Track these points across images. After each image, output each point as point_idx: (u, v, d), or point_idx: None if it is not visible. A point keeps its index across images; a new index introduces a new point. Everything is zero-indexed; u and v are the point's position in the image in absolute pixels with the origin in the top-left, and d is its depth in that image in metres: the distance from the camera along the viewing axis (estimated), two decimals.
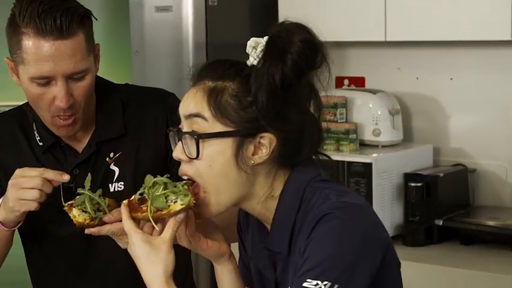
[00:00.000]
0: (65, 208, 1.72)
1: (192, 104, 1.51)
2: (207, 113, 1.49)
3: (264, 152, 1.49)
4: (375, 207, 3.32)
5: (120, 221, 1.57)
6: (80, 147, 2.03)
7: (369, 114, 3.59)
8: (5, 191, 1.91)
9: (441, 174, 3.41)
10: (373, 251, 1.43)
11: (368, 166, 3.33)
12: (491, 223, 3.31)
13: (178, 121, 1.56)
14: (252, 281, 1.65)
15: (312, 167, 1.54)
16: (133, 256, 1.51)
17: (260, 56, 1.48)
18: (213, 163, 1.49)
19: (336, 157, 3.42)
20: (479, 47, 3.53)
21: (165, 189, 1.52)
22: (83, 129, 2.01)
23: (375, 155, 3.44)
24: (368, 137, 3.60)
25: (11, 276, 2.38)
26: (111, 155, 2.03)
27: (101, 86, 2.05)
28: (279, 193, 1.52)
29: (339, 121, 3.59)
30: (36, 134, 2.02)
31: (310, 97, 1.52)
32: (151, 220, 1.52)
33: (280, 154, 1.50)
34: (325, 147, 3.51)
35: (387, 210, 3.40)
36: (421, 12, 3.42)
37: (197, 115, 1.50)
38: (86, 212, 1.68)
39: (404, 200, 3.42)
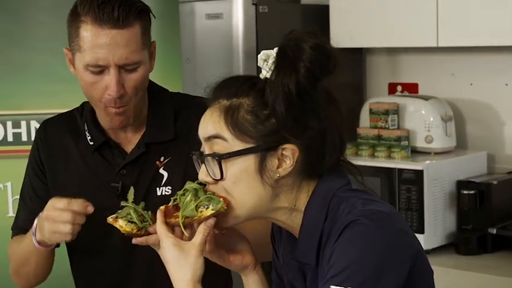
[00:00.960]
0: (109, 221, 1.74)
1: (210, 125, 1.52)
2: (225, 133, 1.50)
3: (288, 164, 1.49)
4: (426, 214, 3.29)
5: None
6: (129, 147, 2.07)
7: (421, 120, 3.57)
8: (50, 196, 1.96)
9: (495, 182, 3.37)
10: (400, 259, 1.41)
11: (419, 173, 3.31)
12: None
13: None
14: None
15: (338, 177, 1.53)
16: (164, 260, 1.53)
17: (272, 68, 1.48)
18: (237, 180, 1.50)
19: (387, 164, 3.42)
20: None
21: (196, 195, 1.55)
22: (134, 130, 2.05)
23: (426, 162, 3.41)
24: (420, 143, 3.57)
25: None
26: (162, 159, 2.06)
27: (155, 91, 2.10)
28: (304, 205, 1.52)
29: (390, 128, 3.57)
30: (88, 134, 2.07)
31: (328, 103, 1.51)
32: (181, 226, 1.55)
33: (304, 164, 1.50)
34: (376, 153, 3.50)
35: (439, 218, 3.36)
36: (473, 17, 3.39)
37: (216, 136, 1.51)
38: (132, 222, 1.70)
39: (456, 208, 3.39)
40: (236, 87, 1.51)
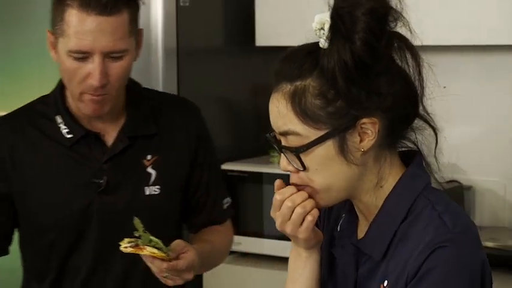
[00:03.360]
0: (130, 251, 1.87)
1: (280, 121, 1.49)
2: (297, 127, 1.47)
3: (370, 136, 1.47)
4: None
5: (177, 256, 1.94)
6: (109, 139, 2.10)
7: None
8: (19, 193, 2.07)
9: None
10: (477, 278, 1.46)
11: None
12: (489, 244, 3.13)
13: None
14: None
15: (422, 172, 1.54)
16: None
17: (328, 36, 1.44)
18: (320, 167, 1.49)
19: None
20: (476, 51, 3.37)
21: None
22: (111, 120, 2.09)
23: None
24: None
25: None
26: (149, 157, 2.12)
27: (131, 84, 2.14)
28: (388, 187, 1.53)
29: None
30: (63, 126, 2.07)
31: (401, 54, 1.49)
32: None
33: (387, 131, 1.49)
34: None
35: None
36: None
37: (289, 133, 1.48)
38: (158, 248, 1.89)
39: None
40: (298, 66, 1.47)
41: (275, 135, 1.54)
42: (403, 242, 1.50)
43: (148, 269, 1.94)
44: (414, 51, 1.51)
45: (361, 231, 1.58)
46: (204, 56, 3.54)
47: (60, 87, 2.11)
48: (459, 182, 3.37)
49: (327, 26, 1.44)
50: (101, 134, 2.08)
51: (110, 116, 2.07)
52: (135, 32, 2.03)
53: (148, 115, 2.13)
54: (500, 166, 3.37)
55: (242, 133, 3.74)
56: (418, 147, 1.56)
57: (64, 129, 2.07)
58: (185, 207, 2.23)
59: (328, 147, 1.47)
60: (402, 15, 1.47)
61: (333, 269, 1.64)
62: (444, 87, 3.26)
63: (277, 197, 1.55)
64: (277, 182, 1.56)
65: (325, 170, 1.49)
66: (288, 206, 1.53)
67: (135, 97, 2.14)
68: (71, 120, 2.07)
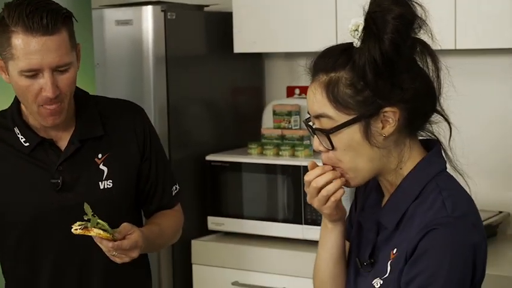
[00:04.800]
0: (78, 232, 1.98)
1: (316, 105, 1.64)
2: (330, 111, 1.62)
3: (391, 123, 1.61)
4: None
5: (124, 237, 2.03)
6: (62, 144, 2.20)
7: None
8: None
9: None
10: (469, 260, 1.56)
11: None
12: None
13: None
14: (350, 236, 1.82)
15: (439, 159, 1.67)
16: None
17: (361, 36, 1.58)
18: (347, 148, 1.62)
19: (292, 162, 3.54)
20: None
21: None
22: (64, 128, 2.19)
23: None
24: None
25: None
26: (100, 156, 2.23)
27: (78, 93, 2.24)
28: (407, 170, 1.66)
29: (293, 128, 3.72)
30: (21, 136, 2.19)
31: (421, 53, 1.62)
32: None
33: (406, 120, 1.62)
34: (280, 153, 3.61)
35: None
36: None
37: (322, 115, 1.63)
38: (104, 230, 2.00)
39: None
40: (334, 60, 1.62)
41: (309, 121, 1.67)
42: (411, 219, 1.62)
43: (106, 256, 2.07)
44: (434, 56, 1.63)
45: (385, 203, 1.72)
46: (189, 62, 3.71)
47: (17, 102, 2.22)
48: None
49: (360, 28, 1.58)
50: (54, 141, 2.19)
51: (63, 124, 2.17)
52: (75, 46, 2.13)
53: (96, 119, 2.23)
54: None
55: (223, 129, 3.90)
56: (436, 137, 1.69)
57: (22, 139, 2.18)
58: (138, 196, 2.33)
59: (354, 131, 1.61)
60: (426, 23, 1.60)
61: (359, 233, 1.78)
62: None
63: (305, 177, 1.70)
64: (310, 163, 1.71)
65: (352, 151, 1.62)
66: (313, 187, 1.68)
67: (83, 104, 2.24)
68: (27, 130, 2.18)
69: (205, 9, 3.88)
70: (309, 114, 1.68)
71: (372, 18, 1.57)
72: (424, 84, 1.63)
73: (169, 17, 3.59)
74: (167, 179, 2.39)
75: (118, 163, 2.24)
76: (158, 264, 3.65)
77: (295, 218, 3.49)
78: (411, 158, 1.66)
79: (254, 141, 3.76)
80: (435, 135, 1.69)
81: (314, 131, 1.66)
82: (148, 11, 3.58)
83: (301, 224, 3.47)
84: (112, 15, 3.68)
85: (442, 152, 1.70)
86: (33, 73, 2.06)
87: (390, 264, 1.64)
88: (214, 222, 3.74)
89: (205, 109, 3.83)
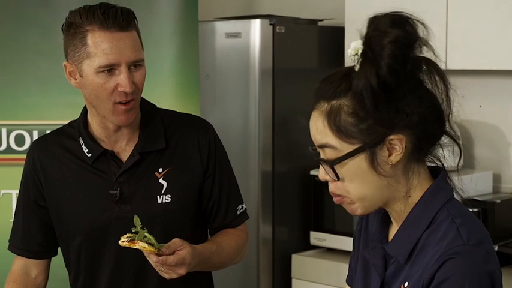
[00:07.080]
0: (125, 244, 1.98)
1: (318, 135, 1.56)
2: (332, 141, 1.54)
3: (398, 151, 1.53)
4: None
5: (173, 253, 2.00)
6: (124, 157, 2.22)
7: None
8: (45, 210, 2.24)
9: (498, 201, 3.38)
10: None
11: None
12: None
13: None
14: (353, 282, 1.77)
15: (446, 185, 1.60)
16: None
17: (360, 61, 1.51)
18: (353, 178, 1.55)
19: None
20: None
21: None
22: (128, 140, 2.22)
23: None
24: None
25: None
26: (160, 170, 2.22)
27: (144, 107, 2.26)
28: (416, 198, 1.58)
29: None
30: (84, 147, 2.22)
31: (429, 72, 1.53)
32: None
33: (414, 146, 1.54)
34: None
35: None
36: (483, 42, 3.42)
37: (325, 146, 1.55)
38: (150, 244, 1.98)
39: None
40: (334, 87, 1.54)
41: (316, 149, 1.59)
42: (424, 250, 1.55)
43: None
44: (442, 74, 1.53)
45: (392, 234, 1.63)
46: (298, 75, 3.72)
47: (84, 114, 2.25)
48: None
49: (359, 52, 1.50)
50: (117, 152, 2.21)
51: (126, 136, 2.20)
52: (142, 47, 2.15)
53: (160, 132, 2.22)
54: None
55: None
56: (442, 163, 1.61)
57: (85, 150, 2.21)
58: (201, 213, 2.31)
59: (360, 160, 1.53)
60: (428, 43, 1.51)
61: (365, 272, 1.69)
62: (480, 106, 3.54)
63: None
64: None
65: (358, 180, 1.54)
66: None
67: (148, 117, 2.24)
68: (91, 141, 2.20)
69: (319, 23, 3.89)
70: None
71: (368, 43, 1.49)
72: (431, 107, 1.54)
73: (278, 30, 3.64)
74: (232, 198, 2.35)
75: (178, 178, 2.24)
76: (257, 276, 3.67)
77: None
78: (420, 185, 1.58)
79: None
80: (440, 160, 1.62)
81: (319, 161, 1.59)
82: (256, 24, 3.63)
83: None
84: (223, 27, 3.75)
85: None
86: (110, 69, 2.08)
87: None
88: (316, 237, 3.74)
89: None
